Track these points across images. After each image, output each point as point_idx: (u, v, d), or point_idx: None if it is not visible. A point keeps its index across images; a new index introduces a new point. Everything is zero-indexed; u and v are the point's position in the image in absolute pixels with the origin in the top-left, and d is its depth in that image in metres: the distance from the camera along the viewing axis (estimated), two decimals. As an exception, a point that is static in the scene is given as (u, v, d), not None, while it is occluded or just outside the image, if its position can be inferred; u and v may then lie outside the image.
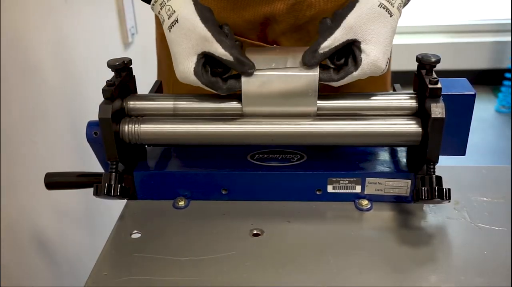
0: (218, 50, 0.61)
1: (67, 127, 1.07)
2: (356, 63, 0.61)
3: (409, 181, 0.67)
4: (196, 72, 0.62)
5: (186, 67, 0.62)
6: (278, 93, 0.64)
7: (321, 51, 0.61)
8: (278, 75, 0.64)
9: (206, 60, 0.63)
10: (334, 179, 0.68)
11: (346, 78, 0.62)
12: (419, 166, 0.67)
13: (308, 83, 0.64)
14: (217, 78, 0.63)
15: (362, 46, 0.60)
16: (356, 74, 0.61)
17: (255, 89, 0.64)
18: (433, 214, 0.67)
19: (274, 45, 0.79)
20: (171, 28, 0.62)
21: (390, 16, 0.61)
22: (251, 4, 0.75)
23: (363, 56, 0.60)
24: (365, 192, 0.69)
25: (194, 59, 0.62)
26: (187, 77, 0.63)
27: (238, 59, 0.62)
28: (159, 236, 0.65)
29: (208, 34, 0.61)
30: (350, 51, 0.62)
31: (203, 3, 0.64)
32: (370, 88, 0.78)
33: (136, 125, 0.66)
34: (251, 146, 0.73)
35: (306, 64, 0.62)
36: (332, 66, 0.63)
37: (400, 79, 0.87)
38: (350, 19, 0.60)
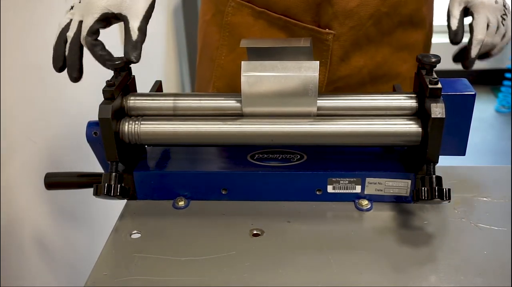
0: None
1: (67, 127, 1.07)
2: None
3: (409, 181, 0.67)
4: None
5: None
6: (278, 94, 0.64)
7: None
8: (278, 76, 0.64)
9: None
10: (334, 179, 0.68)
11: None
12: (419, 166, 0.67)
13: (308, 83, 0.64)
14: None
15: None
16: None
17: (255, 89, 0.64)
18: (433, 214, 0.67)
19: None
20: None
21: None
22: None
23: None
24: (365, 192, 0.69)
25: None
26: None
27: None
28: (159, 236, 0.65)
29: None
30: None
31: None
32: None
33: (136, 125, 0.66)
34: (251, 146, 0.73)
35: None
36: None
37: (400, 79, 0.87)
38: None
